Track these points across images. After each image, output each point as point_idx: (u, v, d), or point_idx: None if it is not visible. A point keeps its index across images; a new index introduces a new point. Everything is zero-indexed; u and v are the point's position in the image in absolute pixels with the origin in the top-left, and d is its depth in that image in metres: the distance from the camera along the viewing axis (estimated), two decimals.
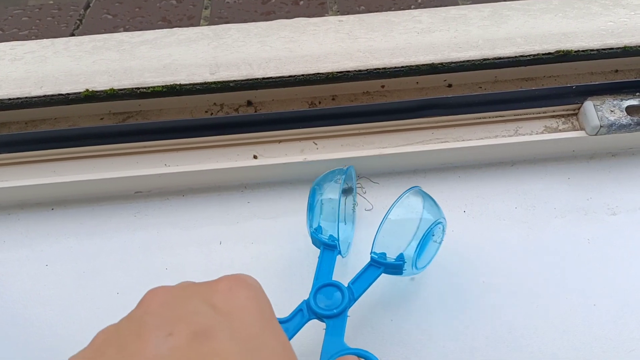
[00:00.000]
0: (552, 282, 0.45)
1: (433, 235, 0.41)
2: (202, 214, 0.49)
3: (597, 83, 0.48)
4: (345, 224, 0.46)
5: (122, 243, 0.48)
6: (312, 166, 0.48)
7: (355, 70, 0.47)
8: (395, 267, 0.39)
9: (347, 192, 0.46)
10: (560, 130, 0.49)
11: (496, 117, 0.49)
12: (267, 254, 0.47)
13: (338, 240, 0.41)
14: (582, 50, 0.48)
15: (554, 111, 0.49)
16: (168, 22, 0.66)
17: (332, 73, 0.47)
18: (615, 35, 0.49)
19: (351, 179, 0.46)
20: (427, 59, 0.48)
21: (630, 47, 0.49)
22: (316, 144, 0.49)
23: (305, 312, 0.38)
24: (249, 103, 0.51)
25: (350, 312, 0.38)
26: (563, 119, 0.50)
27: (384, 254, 0.40)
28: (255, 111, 0.50)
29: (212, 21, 0.63)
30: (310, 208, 0.43)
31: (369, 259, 0.40)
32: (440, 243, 0.42)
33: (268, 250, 0.47)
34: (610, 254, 0.46)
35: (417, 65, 0.47)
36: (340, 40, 0.50)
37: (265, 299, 0.30)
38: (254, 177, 0.49)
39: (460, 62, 0.48)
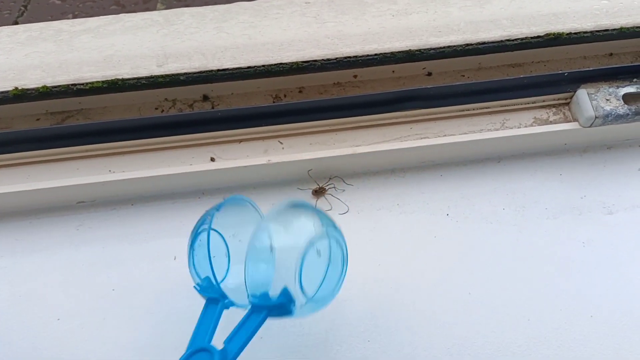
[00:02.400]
0: (545, 292, 0.40)
1: (319, 253, 0.33)
2: (154, 225, 0.43)
3: (590, 69, 0.43)
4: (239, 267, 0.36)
5: (64, 261, 0.42)
6: (277, 168, 0.42)
7: (323, 60, 0.42)
8: (281, 308, 0.32)
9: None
10: (551, 122, 0.44)
11: (481, 108, 0.44)
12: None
13: (223, 294, 0.34)
14: (575, 33, 0.43)
15: (543, 101, 0.44)
16: (121, 7, 0.60)
17: (296, 63, 0.42)
18: (610, 15, 0.44)
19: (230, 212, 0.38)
20: (404, 45, 0.43)
21: (627, 28, 0.44)
22: (282, 143, 0.43)
23: None
24: (205, 98, 0.45)
25: None
26: (554, 110, 0.45)
27: (266, 293, 0.32)
28: (213, 107, 0.45)
29: (169, 4, 0.57)
30: (191, 258, 0.35)
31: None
32: (343, 260, 0.34)
33: None
34: (608, 258, 0.42)
35: (392, 53, 0.42)
36: (307, 25, 0.44)
37: None
38: (212, 182, 0.43)
39: (440, 48, 0.43)
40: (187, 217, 0.43)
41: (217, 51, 0.42)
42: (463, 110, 0.44)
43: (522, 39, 0.43)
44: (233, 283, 0.35)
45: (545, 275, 0.41)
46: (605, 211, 0.43)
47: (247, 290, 0.32)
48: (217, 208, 0.35)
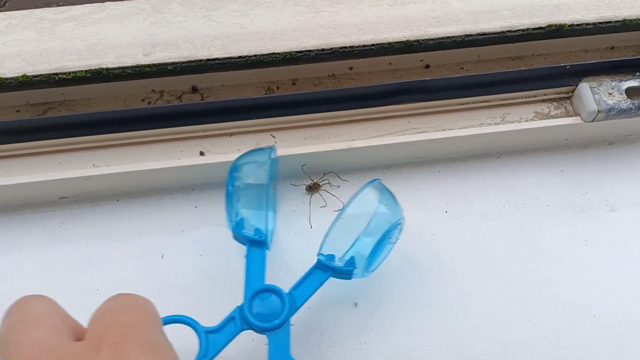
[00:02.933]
0: (547, 291, 0.39)
1: (390, 237, 0.35)
2: (141, 222, 0.41)
3: (593, 62, 0.42)
4: (273, 212, 0.40)
5: (45, 259, 0.40)
6: None
7: (317, 50, 0.40)
8: (344, 273, 0.34)
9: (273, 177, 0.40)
10: (552, 117, 0.43)
11: (480, 102, 0.43)
12: (218, 268, 0.40)
13: (267, 234, 0.35)
14: (577, 25, 0.42)
15: (545, 94, 0.43)
16: None
17: (290, 53, 0.40)
18: (612, 7, 0.43)
19: (275, 162, 0.39)
20: (401, 36, 0.41)
21: (630, 20, 0.43)
22: (274, 137, 0.42)
23: (238, 321, 0.32)
24: (194, 89, 0.43)
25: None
26: (555, 104, 0.44)
27: (333, 256, 0.34)
28: (202, 99, 0.43)
29: None
30: (229, 197, 0.36)
31: (311, 259, 0.34)
32: (394, 243, 0.37)
33: (220, 263, 0.40)
34: (610, 257, 0.40)
35: (389, 43, 0.41)
36: (300, 14, 0.43)
37: (169, 357, 0.22)
38: (201, 177, 0.41)
39: (439, 38, 0.41)
40: (175, 214, 0.42)
41: (206, 40, 0.40)
42: (462, 104, 0.43)
43: (523, 30, 0.42)
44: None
45: (546, 273, 0.40)
46: (607, 208, 0.42)
47: (321, 246, 0.34)
48: (268, 151, 0.37)
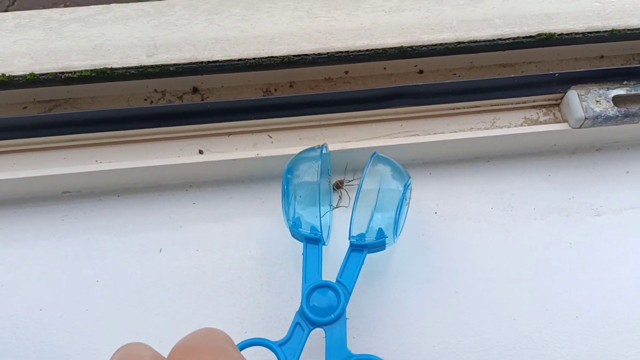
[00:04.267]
0: (531, 292, 0.40)
1: (405, 199, 0.37)
2: (140, 217, 0.43)
3: (581, 70, 0.43)
4: (327, 207, 0.42)
5: (47, 251, 0.42)
6: (265, 162, 0.42)
7: (314, 54, 0.42)
8: (378, 245, 0.36)
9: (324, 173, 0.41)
10: (541, 123, 0.44)
11: (471, 107, 0.44)
12: (214, 263, 0.41)
13: (321, 231, 0.37)
14: (567, 34, 0.43)
15: (534, 101, 0.44)
16: None
17: (287, 56, 0.41)
18: (602, 17, 0.44)
19: (327, 158, 0.41)
20: (396, 42, 0.42)
21: (618, 30, 0.44)
22: (271, 137, 0.43)
23: (304, 324, 0.34)
24: (195, 90, 0.44)
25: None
26: (544, 110, 0.45)
27: (363, 235, 0.36)
28: (202, 99, 0.44)
29: None
30: (285, 196, 0.38)
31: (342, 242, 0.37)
32: (409, 203, 0.39)
33: (216, 258, 0.41)
34: (594, 260, 0.42)
35: (383, 49, 0.42)
36: (299, 19, 0.44)
37: None
38: (200, 175, 0.43)
39: (432, 45, 0.43)
40: (173, 210, 0.43)
41: (207, 43, 0.42)
42: (453, 109, 0.44)
43: (514, 38, 0.43)
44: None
45: (531, 275, 0.41)
46: (592, 213, 0.44)
47: (350, 230, 0.36)
48: (319, 150, 0.39)
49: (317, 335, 0.35)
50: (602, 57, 0.47)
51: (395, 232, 0.37)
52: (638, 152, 0.46)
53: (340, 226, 0.42)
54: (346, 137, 0.43)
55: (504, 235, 0.42)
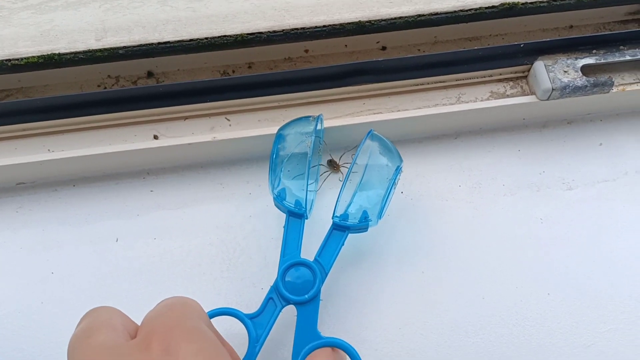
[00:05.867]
0: (501, 269, 0.39)
1: (394, 182, 0.37)
2: (97, 207, 0.42)
3: (548, 40, 0.42)
4: (314, 183, 0.40)
5: (1, 244, 0.40)
6: (223, 146, 0.41)
7: (269, 31, 0.40)
8: (360, 228, 0.36)
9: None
10: (508, 96, 0.43)
11: (436, 83, 0.43)
12: (172, 251, 0.40)
13: (306, 207, 0.36)
14: (531, 3, 0.42)
15: (500, 74, 0.43)
16: None
17: (241, 35, 0.40)
18: None
19: (321, 130, 0.40)
20: (354, 17, 0.41)
21: None
22: (229, 120, 0.42)
23: (277, 300, 0.34)
24: (150, 74, 0.43)
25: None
26: (511, 83, 0.43)
27: (347, 215, 0.36)
28: (157, 83, 0.43)
29: None
30: (273, 165, 0.37)
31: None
32: (396, 186, 0.38)
33: (174, 246, 0.40)
34: (566, 235, 0.40)
35: (341, 24, 0.41)
36: None
37: (214, 344, 0.24)
38: (156, 161, 0.42)
39: (392, 19, 0.41)
40: (130, 198, 0.42)
41: (158, 24, 0.40)
42: (417, 85, 0.43)
43: (476, 9, 0.42)
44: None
45: (501, 252, 0.40)
46: (564, 187, 0.42)
47: (335, 209, 0.36)
48: (315, 121, 0.38)
49: (289, 312, 0.34)
50: (571, 27, 0.46)
51: (380, 215, 0.36)
52: (611, 124, 0.45)
53: (327, 203, 0.40)
54: None
55: (472, 213, 0.41)
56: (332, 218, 0.36)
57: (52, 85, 0.43)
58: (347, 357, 0.32)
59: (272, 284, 0.34)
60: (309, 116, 0.39)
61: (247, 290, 0.39)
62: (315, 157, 0.41)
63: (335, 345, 0.32)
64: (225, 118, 0.42)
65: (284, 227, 0.36)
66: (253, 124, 0.42)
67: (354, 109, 0.42)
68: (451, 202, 0.41)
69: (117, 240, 0.40)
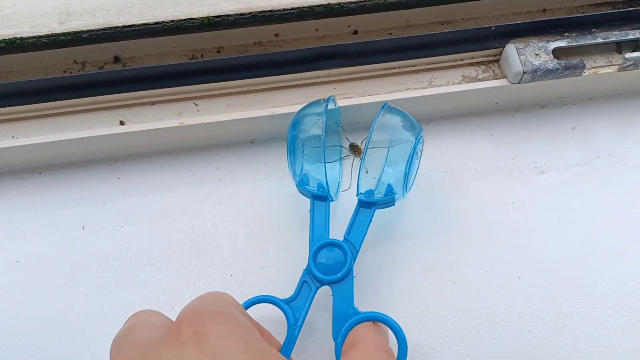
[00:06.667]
0: (472, 253, 0.39)
1: (416, 152, 0.36)
2: (63, 195, 0.41)
3: (519, 22, 0.41)
4: (335, 163, 0.40)
5: None
6: (191, 131, 0.40)
7: (236, 14, 0.39)
8: (387, 202, 0.36)
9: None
10: (480, 80, 0.42)
11: (407, 67, 0.42)
12: (140, 238, 0.39)
13: (328, 188, 0.35)
14: None
15: (472, 58, 0.43)
16: None
17: (208, 18, 0.39)
18: None
19: (336, 111, 0.40)
20: None
21: None
22: (197, 105, 0.41)
23: (310, 282, 0.34)
24: (117, 59, 0.42)
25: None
26: (483, 67, 0.43)
27: (372, 191, 0.35)
28: (124, 68, 0.42)
29: None
30: (291, 152, 0.37)
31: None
32: (420, 156, 0.37)
33: (141, 233, 0.39)
34: (537, 219, 0.40)
35: (310, 7, 0.40)
36: None
37: (244, 325, 0.25)
38: (123, 148, 0.41)
39: (362, 1, 0.40)
40: (97, 185, 0.41)
41: (123, 7, 0.40)
42: (388, 69, 0.42)
43: None
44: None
45: (472, 236, 0.39)
46: (536, 171, 0.42)
47: (358, 186, 0.35)
48: (325, 103, 0.37)
49: (325, 293, 0.34)
50: (544, 10, 0.46)
51: (405, 187, 0.36)
52: (584, 107, 0.44)
53: (353, 186, 0.40)
54: (276, 102, 0.41)
55: (443, 198, 0.41)
56: (357, 195, 0.36)
57: (16, 71, 0.42)
58: (388, 329, 0.32)
59: (304, 268, 0.34)
60: (320, 99, 0.38)
61: (216, 277, 0.38)
62: (333, 138, 0.41)
63: (376, 319, 0.32)
64: (194, 103, 0.41)
65: (310, 211, 0.36)
66: (222, 109, 0.41)
67: (324, 94, 0.42)
68: (423, 188, 0.41)
69: (83, 228, 0.40)
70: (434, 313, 0.37)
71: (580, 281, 0.38)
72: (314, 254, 0.34)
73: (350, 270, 0.34)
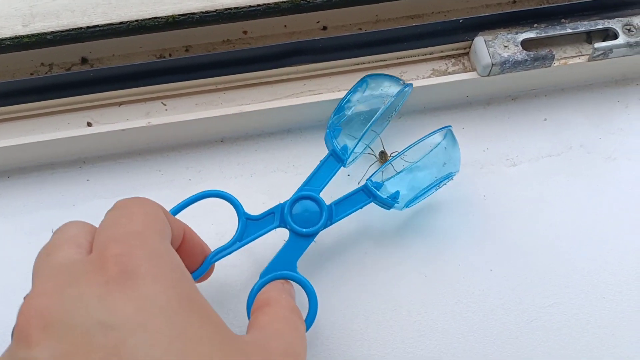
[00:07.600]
0: (443, 248, 0.39)
1: (439, 185, 0.37)
2: (32, 198, 0.40)
3: (488, 15, 0.41)
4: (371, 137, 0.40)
5: None
6: (160, 131, 0.40)
7: (201, 12, 0.39)
8: (385, 204, 0.36)
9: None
10: (450, 73, 0.42)
11: (376, 61, 0.42)
12: None
13: (349, 155, 0.36)
14: None
15: (441, 51, 0.42)
16: None
17: (172, 16, 0.39)
18: None
19: (405, 96, 0.40)
20: None
21: None
22: (165, 105, 0.41)
23: (277, 217, 0.34)
24: (84, 61, 0.42)
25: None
26: (453, 60, 0.43)
27: (380, 185, 0.36)
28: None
29: None
30: (344, 101, 0.38)
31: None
32: (439, 187, 0.38)
33: None
34: (509, 211, 0.40)
35: (276, 3, 0.40)
36: None
37: (176, 265, 0.23)
38: (91, 149, 0.41)
39: None
40: (66, 188, 0.41)
41: (87, 7, 0.39)
42: (358, 64, 0.42)
43: None
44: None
45: (443, 230, 0.39)
46: (508, 163, 0.42)
47: (373, 173, 0.36)
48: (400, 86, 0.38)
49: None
50: (514, 1, 0.45)
51: (409, 204, 0.36)
52: (556, 99, 0.44)
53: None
54: (245, 100, 0.41)
55: None
56: (367, 181, 0.36)
57: None
58: (294, 292, 0.33)
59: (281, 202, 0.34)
60: (401, 80, 0.38)
61: None
62: (383, 121, 0.40)
63: (300, 282, 0.33)
64: (162, 103, 0.41)
65: (321, 161, 0.36)
66: (190, 107, 0.41)
67: (294, 90, 0.42)
68: None
69: (52, 231, 0.39)
70: (405, 307, 0.37)
71: (553, 273, 0.38)
72: (296, 199, 0.34)
73: (316, 233, 0.34)
